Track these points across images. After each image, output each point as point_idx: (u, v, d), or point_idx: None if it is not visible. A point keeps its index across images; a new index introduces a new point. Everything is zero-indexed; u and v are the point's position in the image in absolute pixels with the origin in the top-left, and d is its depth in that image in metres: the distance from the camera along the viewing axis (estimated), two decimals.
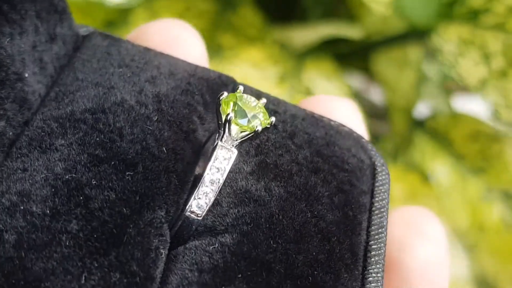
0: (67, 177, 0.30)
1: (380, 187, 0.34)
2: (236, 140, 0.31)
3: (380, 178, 0.35)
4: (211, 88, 0.34)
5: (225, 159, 0.30)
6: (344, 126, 0.36)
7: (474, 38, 0.57)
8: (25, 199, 0.29)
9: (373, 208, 0.34)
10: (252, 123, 0.31)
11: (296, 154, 0.33)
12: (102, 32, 0.36)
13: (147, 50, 0.35)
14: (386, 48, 0.63)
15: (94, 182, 0.30)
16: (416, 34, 0.60)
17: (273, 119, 0.32)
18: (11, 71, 0.31)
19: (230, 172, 0.31)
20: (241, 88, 0.32)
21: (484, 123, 0.63)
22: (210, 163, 0.30)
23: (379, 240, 0.32)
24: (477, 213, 0.62)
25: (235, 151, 0.31)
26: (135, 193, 0.30)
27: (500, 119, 0.56)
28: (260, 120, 0.31)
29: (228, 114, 0.31)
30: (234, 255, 0.30)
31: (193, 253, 0.30)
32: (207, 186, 0.30)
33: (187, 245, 0.31)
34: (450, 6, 0.58)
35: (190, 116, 0.33)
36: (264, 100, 0.32)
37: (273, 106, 0.35)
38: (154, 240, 0.30)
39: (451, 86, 0.67)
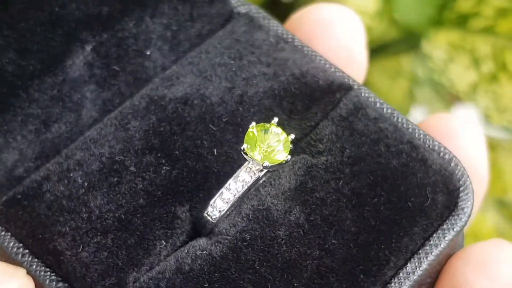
0: (117, 158, 0.32)
1: (446, 232, 0.32)
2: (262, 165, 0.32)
3: (452, 222, 0.32)
4: (312, 95, 0.34)
5: (243, 181, 0.32)
6: (444, 158, 0.33)
7: (464, 42, 0.57)
8: (77, 167, 0.31)
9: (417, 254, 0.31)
10: (264, 158, 0.31)
11: (346, 183, 0.32)
12: (257, 12, 0.36)
13: (279, 42, 0.35)
14: (378, 57, 0.63)
15: (133, 169, 0.32)
16: (408, 41, 0.60)
17: (288, 157, 0.31)
18: (131, 49, 0.34)
19: (264, 186, 0.32)
20: (275, 120, 0.32)
21: None
22: (231, 179, 0.32)
23: None
24: (472, 222, 0.61)
25: (258, 174, 0.31)
26: (160, 188, 0.31)
27: (492, 123, 0.55)
28: (271, 157, 0.32)
29: (244, 145, 0.31)
30: (212, 266, 0.30)
31: (185, 252, 0.31)
32: (229, 193, 0.31)
33: (190, 242, 0.31)
34: (440, 11, 0.58)
35: (263, 122, 0.33)
36: (292, 136, 0.32)
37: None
38: (157, 232, 0.31)
39: (446, 95, 0.66)
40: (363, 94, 0.34)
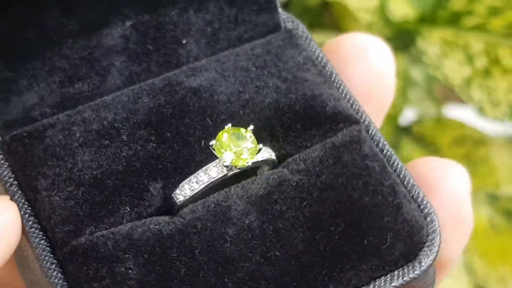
0: (116, 124, 0.34)
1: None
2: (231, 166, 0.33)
3: (405, 272, 0.32)
4: (315, 119, 0.34)
5: (210, 175, 0.33)
6: (422, 211, 0.33)
7: (457, 39, 0.59)
8: (81, 123, 0.34)
9: None
10: (226, 159, 0.32)
11: (309, 205, 0.32)
12: (302, 31, 0.37)
13: (307, 63, 0.36)
14: None
15: (124, 138, 0.33)
16: (401, 40, 0.61)
17: (249, 163, 0.32)
18: (169, 34, 0.35)
19: (237, 187, 0.33)
20: (251, 127, 0.33)
21: (470, 127, 0.64)
22: (201, 170, 0.33)
23: None
24: None
25: (225, 172, 0.32)
26: (141, 160, 0.33)
27: (486, 116, 0.57)
28: (236, 160, 0.32)
29: (213, 141, 0.33)
30: (157, 241, 0.31)
31: (142, 222, 0.32)
32: (197, 182, 0.32)
33: (153, 217, 0.33)
34: (433, 10, 0.60)
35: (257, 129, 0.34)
36: (260, 146, 0.33)
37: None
38: (124, 198, 0.32)
39: (439, 94, 0.68)
40: (368, 131, 0.34)
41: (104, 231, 0.32)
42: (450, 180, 0.35)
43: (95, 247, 0.31)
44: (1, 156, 0.34)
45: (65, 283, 0.31)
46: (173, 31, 0.36)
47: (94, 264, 0.31)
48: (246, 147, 0.33)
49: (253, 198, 0.32)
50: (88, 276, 0.31)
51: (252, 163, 0.33)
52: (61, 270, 0.32)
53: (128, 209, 0.33)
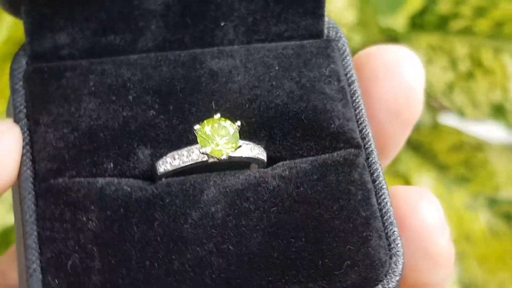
0: (128, 84, 0.35)
1: None
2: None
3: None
4: (316, 133, 0.34)
5: (191, 156, 0.33)
6: (389, 250, 0.33)
7: (443, 43, 0.58)
8: (98, 75, 0.35)
9: None
10: (205, 146, 0.33)
11: (278, 212, 0.32)
12: (342, 44, 0.36)
13: (331, 76, 0.35)
14: None
15: (130, 98, 0.34)
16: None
17: (224, 157, 0.33)
18: (209, 13, 0.36)
19: (218, 175, 0.33)
20: (238, 123, 0.33)
21: (466, 134, 0.63)
22: (185, 149, 0.33)
23: None
24: (464, 222, 0.62)
25: (205, 158, 0.33)
26: (136, 124, 0.34)
27: (466, 118, 0.56)
28: (213, 148, 0.33)
29: (197, 125, 0.33)
30: (124, 202, 0.32)
31: (120, 181, 0.33)
32: (178, 159, 0.33)
33: (135, 179, 0.33)
34: (421, 15, 0.60)
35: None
36: (240, 143, 0.33)
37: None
38: (110, 154, 0.33)
39: (434, 104, 0.67)
40: (367, 159, 0.34)
41: (81, 179, 0.33)
42: (421, 212, 0.34)
43: (68, 191, 0.32)
44: (21, 83, 0.35)
45: (34, 214, 0.32)
46: (214, 11, 0.36)
47: (61, 206, 0.32)
48: (227, 141, 0.33)
49: (227, 190, 0.33)
50: (53, 215, 0.32)
51: (233, 157, 0.33)
52: (35, 202, 0.33)
53: (112, 166, 0.33)
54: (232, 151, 0.33)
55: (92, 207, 0.32)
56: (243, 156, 0.33)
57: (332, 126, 0.34)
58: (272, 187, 0.33)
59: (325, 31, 0.36)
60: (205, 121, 0.33)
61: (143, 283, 0.31)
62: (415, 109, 0.36)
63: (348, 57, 0.36)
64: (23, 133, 0.34)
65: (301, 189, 0.33)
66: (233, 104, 0.34)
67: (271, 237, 0.32)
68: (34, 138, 0.34)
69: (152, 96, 0.34)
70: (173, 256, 0.31)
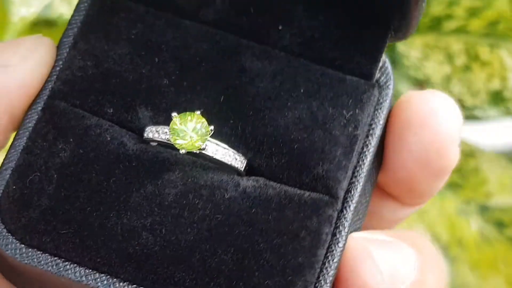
0: (163, 46, 0.35)
1: None
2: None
3: None
4: (297, 163, 0.33)
5: (167, 136, 0.33)
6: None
7: (438, 43, 0.59)
8: (141, 29, 0.35)
9: None
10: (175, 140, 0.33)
11: (220, 222, 0.32)
12: (384, 94, 0.35)
13: (350, 122, 0.34)
14: None
15: (156, 60, 0.34)
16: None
17: (183, 151, 0.32)
18: (270, 12, 0.35)
19: (194, 162, 0.33)
20: (211, 127, 0.33)
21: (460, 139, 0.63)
22: (168, 127, 0.33)
23: None
24: (456, 227, 0.61)
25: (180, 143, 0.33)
26: (147, 86, 0.34)
27: (464, 107, 0.56)
28: (186, 142, 0.33)
29: (174, 113, 0.33)
30: (105, 162, 0.33)
31: (108, 135, 0.33)
32: (162, 134, 0.33)
33: (126, 138, 0.34)
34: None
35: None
36: (203, 145, 0.33)
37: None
38: (109, 105, 0.34)
39: None
40: (340, 211, 0.33)
41: (79, 111, 0.33)
42: (362, 274, 0.33)
43: (62, 116, 0.33)
44: (86, 4, 0.35)
45: (33, 122, 0.33)
46: (277, 13, 0.35)
47: (50, 126, 0.33)
48: (197, 137, 0.33)
49: (189, 180, 0.33)
50: (41, 131, 0.33)
51: (204, 154, 0.33)
52: (39, 112, 0.34)
53: (112, 111, 0.33)
54: (200, 146, 0.32)
55: (71, 139, 0.33)
56: (215, 157, 0.33)
57: (320, 167, 0.33)
58: (228, 196, 0.32)
59: (377, 74, 0.35)
60: (181, 115, 0.33)
61: (77, 225, 0.32)
62: (448, 159, 0.35)
63: (383, 109, 0.34)
64: (63, 50, 0.35)
65: (253, 210, 0.32)
66: (239, 107, 0.34)
67: (201, 240, 0.32)
68: (65, 58, 0.35)
69: (175, 67, 0.34)
70: (111, 214, 0.32)
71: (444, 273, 0.34)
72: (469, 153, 0.63)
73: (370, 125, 0.34)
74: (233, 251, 0.32)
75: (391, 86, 0.34)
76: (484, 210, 0.61)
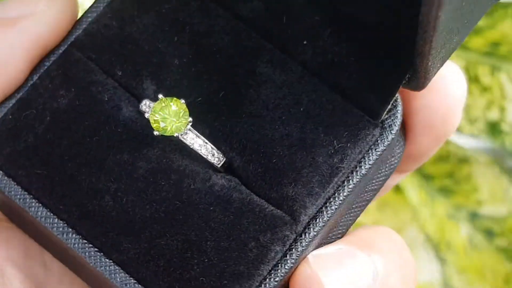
0: (187, 27, 0.36)
1: None
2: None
3: None
4: (271, 177, 0.34)
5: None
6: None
7: None
8: (170, 11, 0.36)
9: None
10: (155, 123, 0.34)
11: (178, 209, 0.33)
12: (387, 134, 0.34)
13: (332, 152, 0.34)
14: None
15: (175, 40, 0.35)
16: None
17: (156, 133, 0.33)
18: (301, 27, 0.35)
19: (173, 142, 0.34)
20: (190, 119, 0.33)
21: (454, 144, 0.64)
22: (159, 103, 0.34)
23: None
24: (445, 230, 0.62)
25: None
26: (159, 59, 0.35)
27: (462, 133, 0.56)
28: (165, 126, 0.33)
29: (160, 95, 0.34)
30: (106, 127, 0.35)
31: (114, 92, 0.35)
32: (150, 110, 0.34)
33: (126, 108, 0.35)
34: None
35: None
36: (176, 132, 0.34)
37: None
38: (120, 71, 0.35)
39: None
40: (299, 235, 0.33)
41: (93, 66, 0.35)
42: None
43: (75, 65, 0.35)
44: None
45: (48, 63, 0.35)
46: (306, 29, 0.35)
47: (61, 71, 0.35)
48: (177, 119, 0.33)
49: (164, 161, 0.34)
50: (52, 72, 0.35)
51: (182, 141, 0.33)
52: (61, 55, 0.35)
53: (121, 74, 0.35)
54: (174, 133, 0.33)
55: (73, 89, 0.34)
56: (191, 147, 0.33)
57: (290, 188, 0.33)
58: (193, 187, 0.33)
59: (384, 115, 0.34)
60: (166, 98, 0.33)
61: (52, 169, 0.33)
62: (450, 125, 0.36)
63: (378, 150, 0.34)
64: (99, 4, 0.36)
65: (212, 208, 0.33)
66: (235, 106, 0.35)
67: (156, 219, 0.33)
68: (98, 12, 0.36)
69: (190, 50, 0.35)
70: (84, 170, 0.33)
71: (410, 268, 0.34)
72: (462, 158, 0.63)
73: (359, 162, 0.33)
74: (180, 239, 0.33)
75: (394, 130, 0.34)
76: (474, 217, 0.62)
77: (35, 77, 0.34)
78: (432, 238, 0.62)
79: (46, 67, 0.35)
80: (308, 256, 0.33)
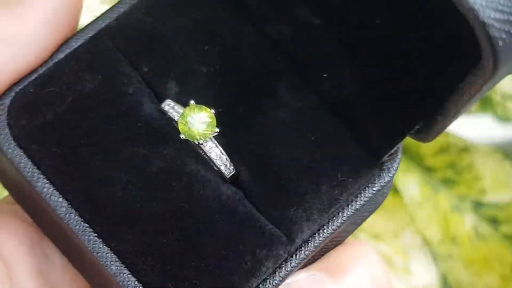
0: (208, 25, 0.36)
1: None
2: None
3: None
4: (280, 195, 0.35)
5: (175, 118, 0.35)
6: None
7: None
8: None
9: None
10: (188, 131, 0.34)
11: (185, 210, 0.34)
12: (379, 182, 0.35)
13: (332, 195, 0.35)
14: None
15: (206, 42, 0.36)
16: None
17: (182, 136, 0.34)
18: (329, 58, 0.36)
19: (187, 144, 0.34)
20: (212, 111, 0.34)
21: (453, 135, 0.63)
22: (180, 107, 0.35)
23: None
24: (450, 224, 0.61)
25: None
26: (181, 63, 0.36)
27: None
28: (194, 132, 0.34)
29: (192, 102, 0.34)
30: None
31: (139, 85, 0.35)
32: (178, 114, 0.34)
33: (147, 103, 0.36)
34: None
35: None
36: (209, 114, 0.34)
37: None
38: (146, 67, 0.36)
39: None
40: (291, 255, 0.34)
41: (119, 57, 0.35)
42: None
43: (104, 53, 0.35)
44: None
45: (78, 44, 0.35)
46: (327, 63, 0.36)
47: (89, 55, 0.35)
48: (204, 126, 0.34)
49: (178, 161, 0.34)
50: (78, 54, 0.35)
51: (202, 147, 0.34)
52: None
53: (147, 70, 0.35)
54: (199, 140, 0.34)
55: (99, 76, 0.34)
56: (208, 155, 0.34)
57: (292, 211, 0.34)
58: (202, 193, 0.34)
59: (385, 157, 0.35)
60: (198, 105, 0.34)
61: (66, 150, 0.33)
62: None
63: (373, 188, 0.35)
64: None
65: (216, 216, 0.33)
66: (252, 123, 0.35)
67: (160, 217, 0.33)
68: (134, 5, 0.36)
69: (218, 61, 0.35)
70: (98, 157, 0.33)
71: (384, 285, 0.35)
72: (463, 148, 0.63)
73: (356, 197, 0.34)
74: (182, 240, 0.33)
75: (391, 173, 0.35)
76: (478, 206, 0.62)
77: (61, 55, 0.34)
78: (431, 241, 0.61)
79: (73, 48, 0.35)
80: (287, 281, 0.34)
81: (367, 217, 0.37)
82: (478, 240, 0.61)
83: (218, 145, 0.34)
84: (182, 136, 0.33)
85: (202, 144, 0.34)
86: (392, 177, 0.35)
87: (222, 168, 0.34)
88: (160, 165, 0.34)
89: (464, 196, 0.62)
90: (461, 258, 0.61)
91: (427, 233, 0.61)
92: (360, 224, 0.36)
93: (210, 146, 0.34)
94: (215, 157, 0.34)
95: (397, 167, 0.35)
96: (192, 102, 0.34)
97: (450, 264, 0.61)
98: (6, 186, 0.36)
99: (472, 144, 0.63)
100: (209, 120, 0.34)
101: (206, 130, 0.33)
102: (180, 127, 0.33)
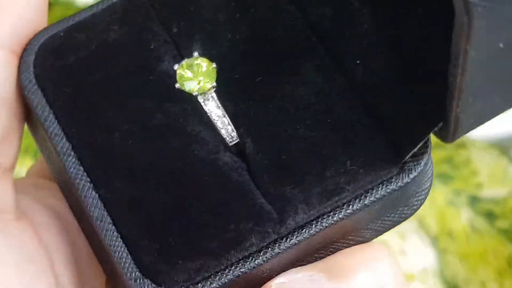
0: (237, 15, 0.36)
1: None
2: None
3: None
4: (280, 172, 0.33)
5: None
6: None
7: None
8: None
9: None
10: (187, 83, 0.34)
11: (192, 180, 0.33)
12: (392, 184, 0.33)
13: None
14: None
15: (220, 18, 0.36)
16: None
17: (177, 85, 0.34)
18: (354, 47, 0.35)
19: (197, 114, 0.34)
20: (214, 65, 0.34)
21: None
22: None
23: None
24: (446, 218, 0.61)
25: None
26: (216, 34, 0.35)
27: None
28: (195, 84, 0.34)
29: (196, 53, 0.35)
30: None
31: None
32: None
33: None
34: None
35: None
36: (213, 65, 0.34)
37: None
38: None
39: None
40: (273, 234, 0.33)
41: (154, 12, 0.35)
42: None
43: (138, 5, 0.36)
44: None
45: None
46: (362, 49, 0.34)
47: (126, 7, 0.36)
48: (204, 78, 0.34)
49: (182, 121, 0.34)
50: (117, 8, 0.36)
51: (205, 104, 0.34)
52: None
53: (176, 30, 0.35)
54: (203, 90, 0.34)
55: (126, 26, 0.35)
56: (209, 114, 0.34)
57: (289, 189, 0.33)
58: (197, 153, 0.33)
59: (407, 157, 0.33)
60: (188, 59, 0.34)
61: (87, 107, 0.34)
62: None
63: (389, 187, 0.32)
64: None
65: (206, 179, 0.33)
66: (265, 95, 0.34)
67: (153, 169, 0.33)
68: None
69: (247, 30, 0.35)
70: (105, 103, 0.34)
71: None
72: (460, 143, 0.63)
73: (367, 191, 0.32)
74: (169, 197, 0.33)
75: (412, 175, 0.32)
76: (474, 201, 0.62)
77: (99, 7, 0.35)
78: (430, 230, 0.61)
79: (111, 2, 0.36)
80: (271, 284, 0.32)
81: (390, 227, 0.34)
82: (474, 235, 0.61)
83: (220, 106, 0.33)
84: (177, 85, 0.33)
85: (204, 102, 0.33)
86: (413, 181, 0.32)
87: (223, 131, 0.33)
88: (162, 120, 0.34)
89: (460, 191, 0.62)
90: (457, 253, 0.60)
91: (425, 227, 0.61)
92: (381, 232, 0.34)
93: (212, 105, 0.33)
94: (216, 118, 0.33)
95: (420, 171, 0.32)
96: (195, 54, 0.34)
97: (446, 258, 0.60)
98: (32, 131, 0.37)
99: (469, 139, 0.63)
100: (208, 73, 0.33)
101: (203, 83, 0.33)
102: (178, 77, 0.34)
